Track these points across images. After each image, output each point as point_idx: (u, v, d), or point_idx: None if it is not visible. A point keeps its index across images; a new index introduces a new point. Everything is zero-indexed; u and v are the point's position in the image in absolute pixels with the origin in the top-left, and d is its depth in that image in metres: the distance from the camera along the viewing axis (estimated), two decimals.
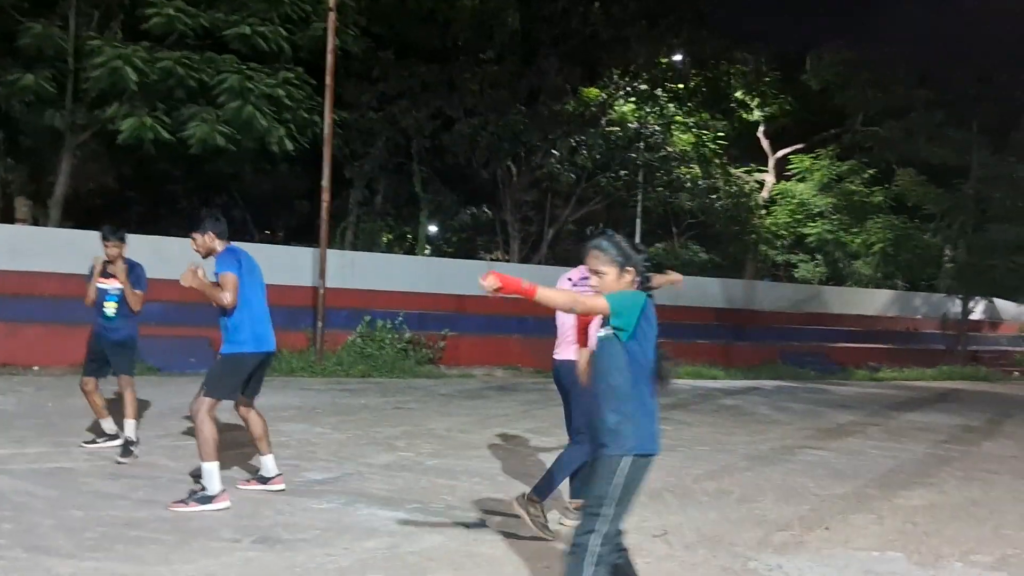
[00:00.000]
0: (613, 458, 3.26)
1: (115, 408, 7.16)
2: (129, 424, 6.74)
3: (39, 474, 5.97)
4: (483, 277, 3.18)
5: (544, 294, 3.26)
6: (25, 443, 7.02)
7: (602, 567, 3.17)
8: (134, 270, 6.88)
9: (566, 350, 5.45)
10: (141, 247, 12.67)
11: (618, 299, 3.32)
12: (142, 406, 9.28)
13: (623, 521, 3.27)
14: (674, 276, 5.67)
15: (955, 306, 25.93)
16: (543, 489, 5.09)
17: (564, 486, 5.42)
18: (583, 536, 3.19)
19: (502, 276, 3.23)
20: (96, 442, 7.07)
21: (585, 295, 3.43)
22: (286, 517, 5.20)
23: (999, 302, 29.09)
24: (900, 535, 5.54)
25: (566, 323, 5.46)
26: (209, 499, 5.24)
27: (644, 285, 3.47)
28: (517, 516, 4.96)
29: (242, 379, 5.60)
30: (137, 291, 6.82)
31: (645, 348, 3.34)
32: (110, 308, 6.84)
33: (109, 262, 6.81)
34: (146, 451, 6.88)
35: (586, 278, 5.16)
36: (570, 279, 5.52)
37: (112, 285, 6.81)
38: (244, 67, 15.84)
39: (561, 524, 5.36)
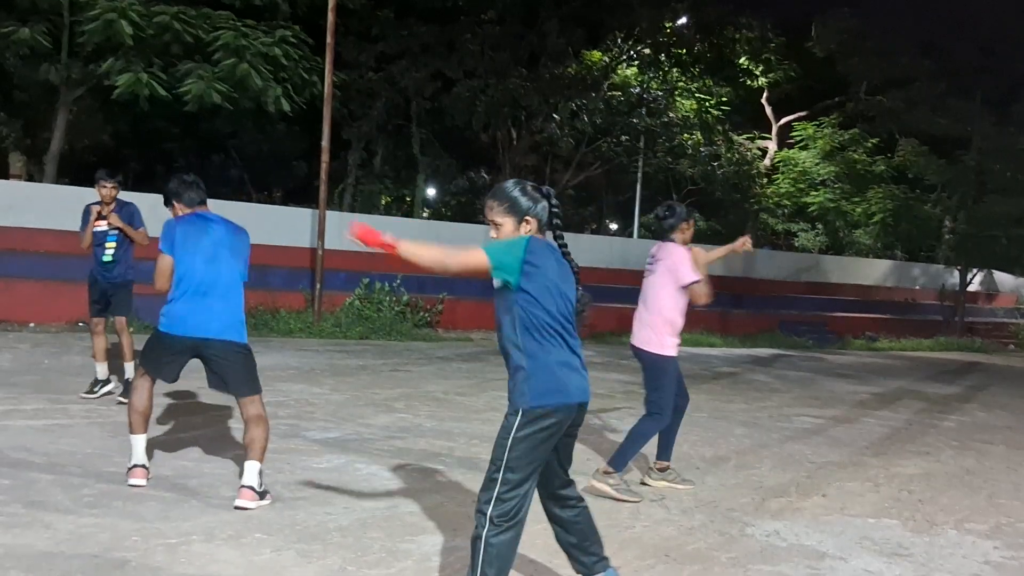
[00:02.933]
0: (507, 416, 3.05)
1: (111, 354, 7.21)
2: (129, 366, 6.88)
3: (36, 431, 5.97)
4: (350, 228, 3.02)
5: (408, 249, 2.99)
6: (22, 400, 7.01)
7: (510, 532, 2.98)
8: (126, 207, 6.94)
9: (640, 335, 5.32)
10: (139, 205, 12.60)
11: (494, 249, 3.01)
12: None
13: (531, 479, 3.04)
14: (738, 243, 5.54)
15: (953, 277, 25.95)
16: (618, 462, 5.20)
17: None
18: (483, 504, 2.99)
19: (364, 228, 3.01)
20: (93, 391, 7.09)
21: (456, 249, 3.06)
22: (286, 476, 5.21)
23: (997, 274, 29.13)
24: (895, 502, 5.57)
25: (643, 304, 5.38)
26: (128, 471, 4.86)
27: (556, 237, 3.17)
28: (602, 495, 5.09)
29: (163, 361, 4.71)
30: (140, 228, 6.91)
31: (544, 296, 3.02)
32: (109, 249, 6.87)
33: (106, 203, 6.84)
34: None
35: (652, 256, 5.34)
36: (654, 257, 5.41)
37: (105, 227, 6.84)
38: (240, 24, 15.62)
39: (643, 484, 5.51)
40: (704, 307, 5.44)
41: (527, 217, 3.10)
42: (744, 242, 5.80)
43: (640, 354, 5.32)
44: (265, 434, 4.68)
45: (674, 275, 5.20)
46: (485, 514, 2.97)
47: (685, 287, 5.20)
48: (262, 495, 4.57)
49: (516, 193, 3.11)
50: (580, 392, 3.12)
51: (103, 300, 7.02)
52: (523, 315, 3.04)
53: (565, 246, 3.17)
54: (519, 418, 3.01)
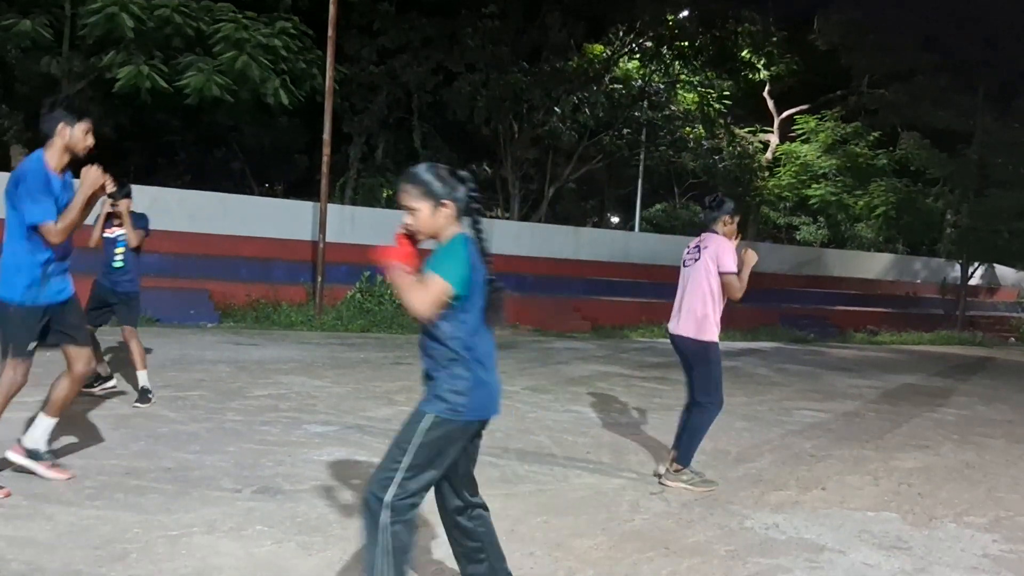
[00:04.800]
0: (425, 414, 2.93)
1: (120, 359, 7.18)
2: (142, 374, 6.88)
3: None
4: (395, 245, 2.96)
5: (398, 281, 2.91)
6: (23, 392, 6.97)
7: (403, 525, 2.87)
8: (141, 220, 6.97)
9: (684, 323, 5.40)
10: (140, 198, 12.60)
11: (448, 270, 2.86)
12: None
13: (427, 484, 2.93)
14: (748, 258, 5.52)
15: (955, 271, 25.93)
16: (684, 458, 5.38)
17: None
18: (379, 489, 2.88)
19: (404, 253, 2.94)
20: (94, 386, 7.09)
21: (414, 288, 2.87)
22: (287, 468, 5.22)
23: (998, 268, 29.11)
24: (895, 496, 5.58)
25: (679, 288, 5.51)
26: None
27: (474, 223, 3.02)
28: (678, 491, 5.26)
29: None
30: (138, 229, 6.91)
31: (478, 299, 2.94)
32: (119, 254, 6.87)
33: (113, 214, 6.84)
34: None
35: (696, 247, 5.43)
36: (687, 248, 5.60)
37: (118, 232, 6.85)
38: (240, 16, 15.60)
39: (660, 482, 5.47)
40: (736, 303, 5.49)
41: (443, 201, 2.95)
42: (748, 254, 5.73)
43: (682, 342, 5.40)
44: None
45: (716, 262, 5.30)
46: (382, 500, 2.86)
47: (723, 274, 5.28)
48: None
49: (430, 176, 2.98)
50: (498, 402, 3.05)
51: (103, 307, 6.98)
52: (467, 321, 2.93)
53: (482, 232, 3.02)
54: (436, 422, 2.91)
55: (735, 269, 5.29)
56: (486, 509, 3.20)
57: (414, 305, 2.84)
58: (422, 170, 3.02)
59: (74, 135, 4.44)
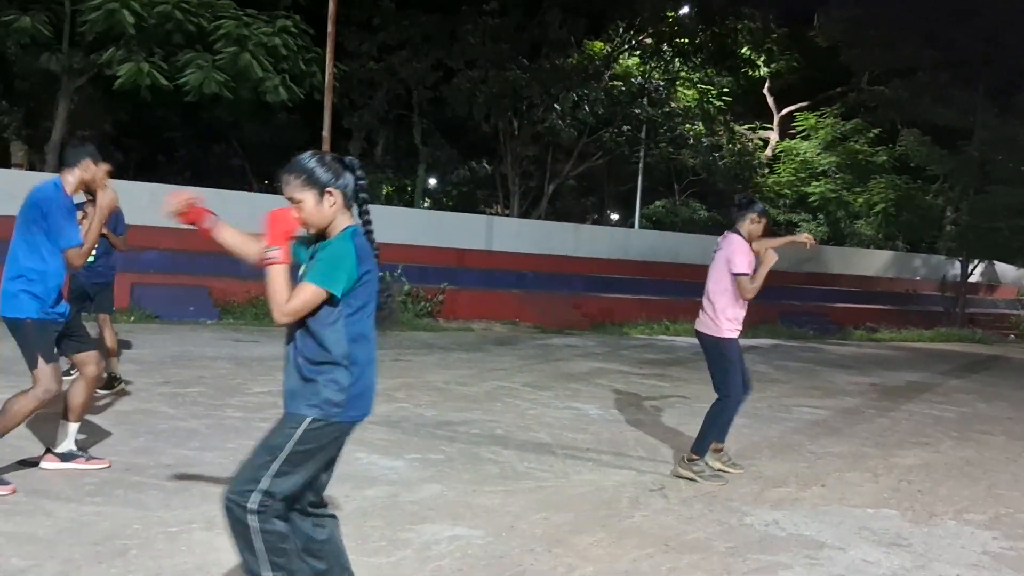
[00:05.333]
0: (299, 417, 2.75)
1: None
2: (112, 361, 6.93)
3: (37, 419, 5.95)
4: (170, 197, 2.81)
5: (269, 272, 2.68)
6: (22, 387, 7.01)
7: (274, 528, 2.72)
8: (119, 222, 6.99)
9: (702, 320, 5.65)
10: (140, 194, 12.63)
11: (329, 278, 2.67)
12: (142, 354, 9.32)
13: (294, 488, 2.77)
14: (801, 237, 5.77)
15: (954, 268, 25.92)
16: (699, 447, 5.54)
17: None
18: (241, 495, 2.72)
19: (192, 204, 2.84)
20: (113, 386, 7.11)
21: (283, 290, 2.68)
22: None
23: (998, 265, 29.10)
24: (895, 493, 5.58)
25: (706, 290, 5.67)
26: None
27: (362, 213, 2.87)
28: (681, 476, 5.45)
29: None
30: (121, 235, 6.97)
31: (370, 300, 2.80)
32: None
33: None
34: (145, 398, 6.92)
35: (718, 245, 5.55)
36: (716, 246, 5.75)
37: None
38: (241, 13, 15.59)
39: (674, 472, 5.61)
40: (751, 301, 5.65)
41: (328, 189, 2.75)
42: (807, 238, 6.05)
43: (701, 337, 5.64)
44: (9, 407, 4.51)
45: (729, 261, 5.48)
46: (245, 507, 2.70)
47: (734, 275, 5.46)
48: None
49: (313, 164, 2.77)
50: (372, 403, 2.91)
51: (83, 299, 7.00)
52: (350, 320, 2.76)
53: (370, 223, 2.87)
54: (317, 425, 2.74)
55: (746, 271, 5.42)
56: (333, 515, 3.03)
57: (281, 315, 2.68)
58: (305, 158, 2.81)
59: (96, 173, 4.69)
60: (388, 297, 2.98)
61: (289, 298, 2.67)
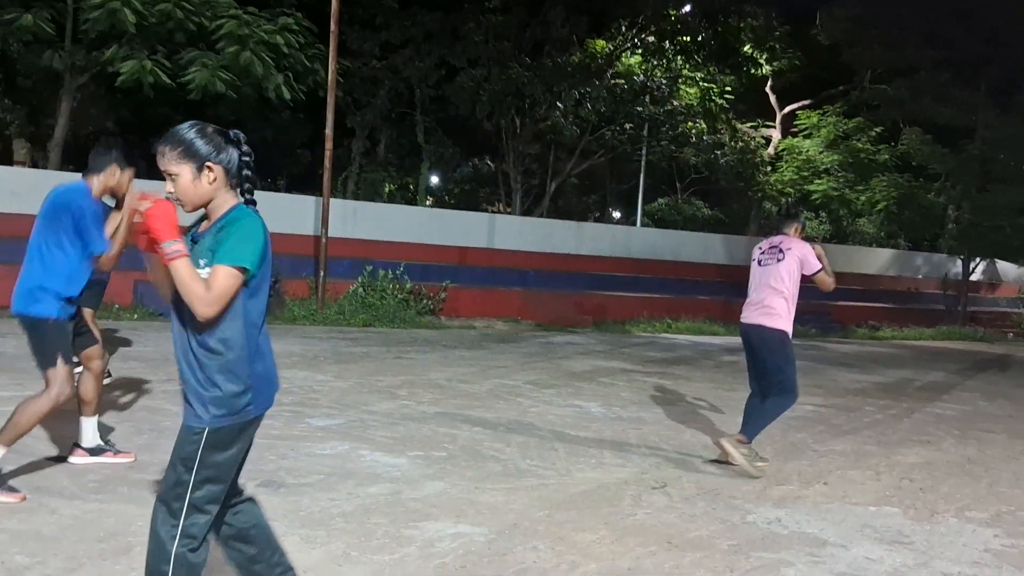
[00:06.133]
0: (200, 427, 2.54)
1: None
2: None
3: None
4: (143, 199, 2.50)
5: (176, 268, 2.44)
6: (25, 385, 7.03)
7: (196, 550, 2.55)
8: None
9: (763, 315, 5.84)
10: (140, 190, 12.62)
11: (240, 253, 2.48)
12: (146, 352, 9.34)
13: (214, 498, 2.60)
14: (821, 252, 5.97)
15: (956, 266, 25.90)
16: (750, 431, 5.78)
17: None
18: (174, 518, 2.54)
19: (161, 218, 2.44)
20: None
21: (197, 281, 2.45)
22: (290, 462, 5.24)
23: (1000, 264, 29.08)
24: (897, 491, 5.59)
25: (754, 283, 5.99)
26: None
27: (245, 193, 2.63)
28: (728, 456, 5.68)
29: None
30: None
31: (264, 284, 2.62)
32: None
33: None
34: (149, 396, 6.94)
35: (775, 247, 5.84)
36: (760, 248, 6.09)
37: None
38: (242, 11, 15.59)
39: (719, 444, 5.86)
40: (829, 293, 6.22)
41: (208, 164, 2.54)
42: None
43: (759, 332, 5.83)
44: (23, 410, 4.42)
45: (803, 263, 5.80)
46: (177, 527, 2.52)
47: (814, 274, 5.82)
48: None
49: (192, 135, 2.55)
50: (274, 394, 2.75)
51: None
52: (251, 307, 2.58)
53: (254, 203, 2.64)
54: (220, 430, 2.55)
55: (823, 265, 5.81)
56: (249, 498, 2.87)
57: (206, 308, 2.44)
58: (183, 128, 2.58)
59: (121, 179, 4.71)
60: (277, 282, 2.73)
61: (207, 287, 2.45)
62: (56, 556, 3.56)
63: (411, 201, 29.36)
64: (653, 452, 6.21)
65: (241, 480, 4.49)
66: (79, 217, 4.48)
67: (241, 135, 2.67)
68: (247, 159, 2.63)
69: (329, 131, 15.02)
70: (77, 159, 22.76)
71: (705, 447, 6.54)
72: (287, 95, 16.22)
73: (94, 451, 5.01)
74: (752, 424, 5.80)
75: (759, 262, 5.99)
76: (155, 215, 2.46)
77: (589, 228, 24.40)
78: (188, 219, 2.69)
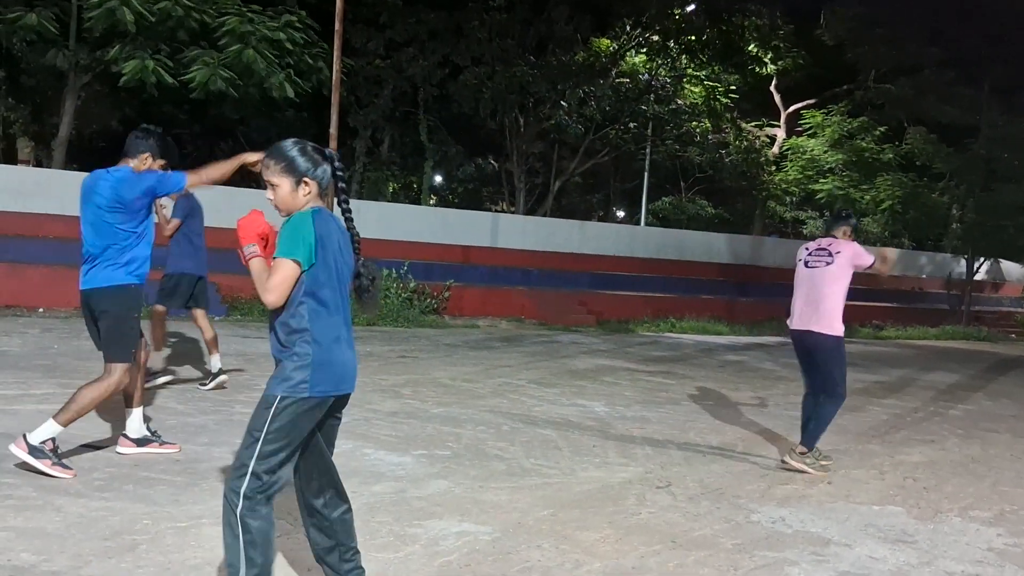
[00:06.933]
0: (273, 395, 2.85)
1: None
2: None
3: (46, 415, 5.96)
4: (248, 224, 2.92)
5: (251, 266, 2.89)
6: (31, 384, 7.07)
7: (260, 509, 2.83)
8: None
9: (816, 320, 5.86)
10: None
11: (290, 247, 2.79)
12: (149, 350, 9.35)
13: (291, 458, 2.91)
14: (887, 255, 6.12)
15: (960, 266, 25.87)
16: (809, 442, 5.88)
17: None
18: (236, 482, 2.83)
19: (247, 226, 2.91)
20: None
21: (264, 277, 2.85)
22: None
23: (1004, 263, 29.04)
24: (900, 490, 5.59)
25: (802, 287, 6.00)
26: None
27: (341, 203, 3.02)
28: (800, 471, 5.79)
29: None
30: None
31: (330, 274, 2.88)
32: None
33: None
34: (154, 394, 6.94)
35: (823, 249, 5.93)
36: (807, 249, 6.12)
37: None
38: (245, 9, 15.60)
39: (784, 463, 5.92)
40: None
41: (306, 179, 2.91)
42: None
43: (812, 337, 5.86)
44: (85, 393, 4.69)
45: (857, 262, 5.85)
46: (238, 492, 2.81)
47: (868, 267, 5.89)
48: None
49: (295, 153, 2.92)
50: (352, 380, 3.00)
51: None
52: (309, 296, 2.86)
53: (349, 212, 3.03)
54: (281, 403, 2.83)
55: (874, 257, 5.90)
56: (347, 504, 3.13)
57: (266, 295, 2.81)
58: (287, 145, 2.95)
59: (152, 168, 4.93)
60: (371, 280, 3.05)
61: (268, 278, 2.81)
62: (62, 554, 3.57)
63: (415, 200, 29.37)
64: (657, 451, 6.21)
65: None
66: (143, 197, 4.72)
67: (335, 153, 3.01)
68: (341, 174, 3.00)
69: (333, 130, 15.02)
70: (81, 158, 22.81)
71: (710, 446, 6.54)
72: (290, 92, 16.21)
73: (140, 442, 5.11)
74: (809, 434, 5.89)
75: (806, 263, 6.01)
76: (243, 224, 2.92)
77: (593, 227, 24.41)
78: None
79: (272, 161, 2.92)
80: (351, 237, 3.03)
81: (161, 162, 4.94)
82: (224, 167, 4.56)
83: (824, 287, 5.84)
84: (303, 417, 2.85)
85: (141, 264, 4.80)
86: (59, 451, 4.65)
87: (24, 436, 4.56)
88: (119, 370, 4.72)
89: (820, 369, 5.91)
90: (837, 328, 5.84)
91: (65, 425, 4.62)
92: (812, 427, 5.90)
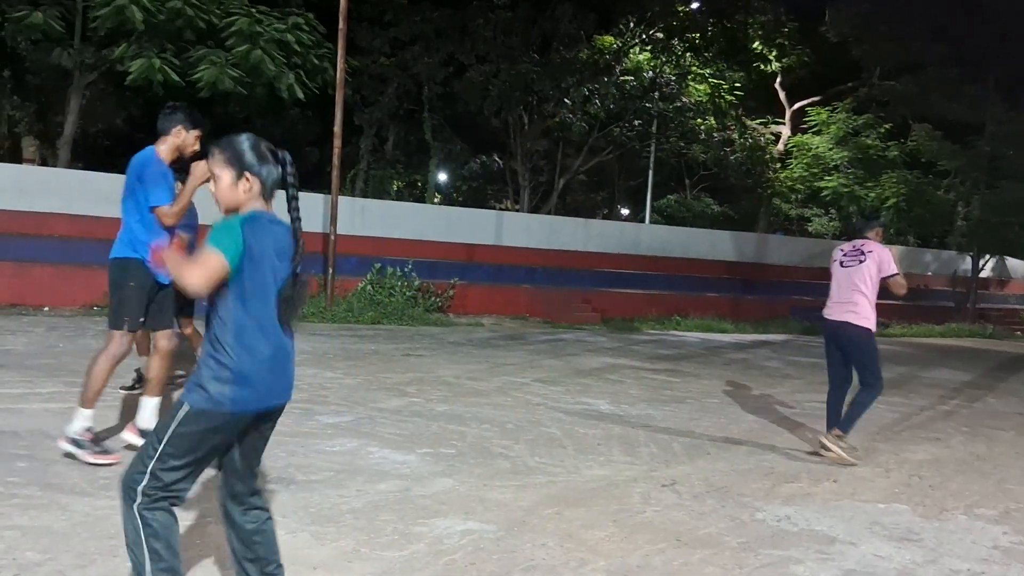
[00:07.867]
0: (184, 404, 2.68)
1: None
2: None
3: (52, 413, 6.02)
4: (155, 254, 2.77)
5: (172, 266, 2.68)
6: (36, 383, 7.09)
7: (157, 515, 2.68)
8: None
9: (850, 313, 6.25)
10: None
11: (221, 243, 2.62)
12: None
13: (196, 466, 2.75)
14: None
15: (965, 263, 25.82)
16: (846, 426, 6.25)
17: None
18: (135, 475, 2.68)
19: (164, 255, 2.70)
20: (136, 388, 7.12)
21: (185, 263, 2.65)
22: (299, 459, 5.25)
23: (1009, 260, 28.98)
24: (906, 488, 5.58)
25: (838, 283, 6.40)
26: None
27: (290, 208, 2.85)
28: (829, 450, 6.16)
29: None
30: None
31: (259, 280, 2.70)
32: None
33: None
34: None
35: (857, 250, 6.27)
36: (842, 250, 6.53)
37: None
38: (253, 9, 15.61)
39: (822, 445, 6.24)
40: (901, 298, 6.83)
41: (247, 174, 2.74)
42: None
43: (846, 329, 6.25)
44: (92, 370, 4.85)
45: (881, 266, 6.25)
46: (136, 489, 2.66)
47: (886, 278, 6.27)
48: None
49: (244, 147, 2.77)
50: (282, 393, 2.84)
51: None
52: (238, 306, 2.69)
53: (299, 219, 2.86)
54: (192, 412, 2.66)
55: (898, 270, 6.28)
56: (266, 511, 2.96)
57: (186, 279, 2.60)
58: (239, 139, 2.80)
59: (187, 139, 5.02)
60: (297, 293, 2.81)
61: (189, 262, 2.65)
62: (67, 552, 3.58)
63: (419, 198, 29.36)
64: (662, 449, 6.21)
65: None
66: (141, 175, 4.81)
67: (287, 157, 2.86)
68: (291, 178, 2.84)
69: (338, 129, 15.05)
70: (86, 157, 22.85)
71: (715, 444, 6.53)
72: (300, 94, 16.23)
73: (145, 433, 5.11)
74: (848, 419, 6.24)
75: (841, 263, 6.43)
76: (162, 258, 2.72)
77: (597, 225, 24.39)
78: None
79: (218, 150, 2.77)
80: (295, 245, 2.82)
81: (196, 132, 5.02)
82: (185, 195, 4.72)
83: (859, 283, 6.26)
84: (214, 430, 2.68)
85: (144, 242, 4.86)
86: (99, 440, 4.83)
87: (65, 432, 4.80)
88: (112, 336, 4.83)
89: (854, 362, 6.30)
90: (869, 322, 6.23)
91: (90, 406, 4.80)
92: (850, 412, 6.25)
